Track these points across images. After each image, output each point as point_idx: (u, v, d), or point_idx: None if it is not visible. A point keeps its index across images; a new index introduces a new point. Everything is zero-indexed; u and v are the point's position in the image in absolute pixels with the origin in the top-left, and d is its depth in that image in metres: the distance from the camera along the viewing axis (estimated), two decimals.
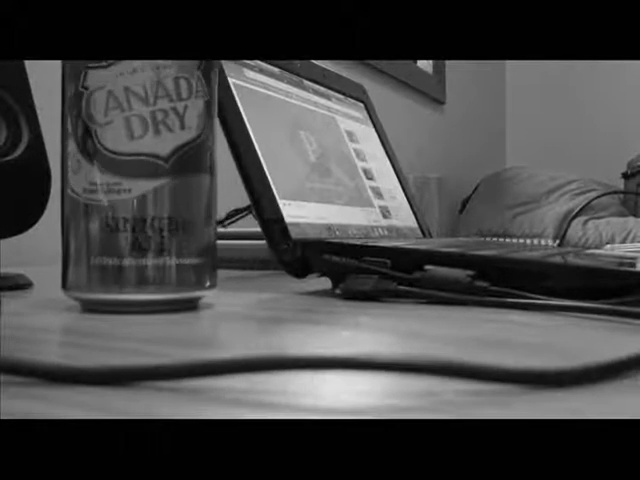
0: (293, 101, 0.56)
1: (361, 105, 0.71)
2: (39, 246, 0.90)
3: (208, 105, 0.35)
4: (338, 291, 0.41)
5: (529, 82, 2.68)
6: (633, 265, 0.41)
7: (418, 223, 0.69)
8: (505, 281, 0.39)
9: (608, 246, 0.83)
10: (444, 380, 0.19)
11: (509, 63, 2.73)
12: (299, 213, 0.48)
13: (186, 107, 0.34)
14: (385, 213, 0.62)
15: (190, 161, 0.34)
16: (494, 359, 0.23)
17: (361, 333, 0.28)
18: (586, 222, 1.79)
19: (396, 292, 0.39)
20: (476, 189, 2.04)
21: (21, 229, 0.48)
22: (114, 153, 0.33)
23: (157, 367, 0.18)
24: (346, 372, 0.20)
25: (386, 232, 0.60)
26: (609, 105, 2.53)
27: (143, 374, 0.18)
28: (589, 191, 1.94)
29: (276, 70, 0.56)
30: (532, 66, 2.67)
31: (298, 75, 0.59)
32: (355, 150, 0.63)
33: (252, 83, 0.51)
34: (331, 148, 0.58)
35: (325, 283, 0.51)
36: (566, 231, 0.89)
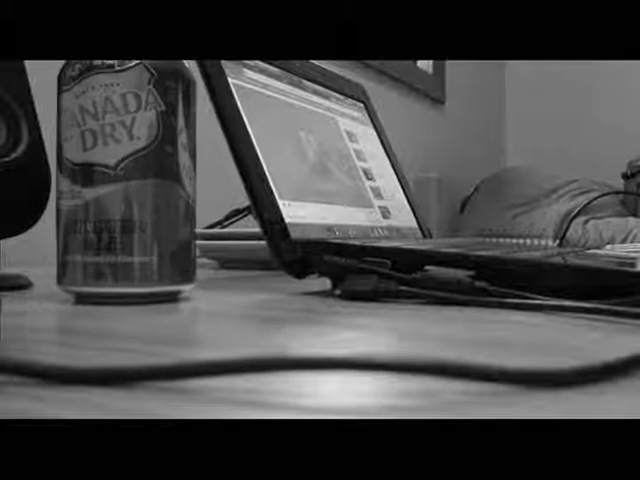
0: (293, 101, 0.56)
1: (361, 105, 0.71)
2: (39, 246, 0.90)
3: (164, 114, 0.38)
4: (337, 292, 0.41)
5: (529, 82, 2.68)
6: (633, 265, 0.41)
7: (418, 223, 0.69)
8: (505, 281, 0.39)
9: (608, 246, 0.83)
10: (444, 380, 0.19)
11: (509, 63, 2.73)
12: (299, 213, 0.48)
13: (134, 119, 0.37)
14: (385, 213, 0.62)
15: (140, 168, 0.37)
16: (494, 359, 0.23)
17: (361, 333, 0.28)
18: (586, 222, 1.79)
19: (396, 293, 0.39)
20: (476, 189, 2.04)
21: (21, 229, 0.48)
22: (73, 164, 0.38)
23: (155, 367, 0.18)
24: (346, 372, 0.20)
25: (386, 232, 0.60)
26: (609, 105, 2.53)
27: (142, 374, 0.18)
28: (589, 191, 1.94)
29: (276, 70, 0.56)
30: (532, 66, 2.67)
31: (298, 75, 0.59)
32: (355, 150, 0.63)
33: (252, 83, 0.51)
34: (331, 148, 0.58)
35: (325, 283, 0.51)
36: (566, 231, 0.89)
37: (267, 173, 0.46)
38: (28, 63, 0.79)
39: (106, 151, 0.37)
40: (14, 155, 0.47)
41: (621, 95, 2.51)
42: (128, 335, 0.27)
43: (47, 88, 0.84)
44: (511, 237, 1.84)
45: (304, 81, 0.60)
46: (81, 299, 0.39)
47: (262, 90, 0.52)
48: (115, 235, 0.37)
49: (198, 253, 0.76)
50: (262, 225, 0.44)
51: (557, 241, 0.99)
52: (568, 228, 0.89)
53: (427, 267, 0.40)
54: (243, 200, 1.22)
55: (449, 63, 2.20)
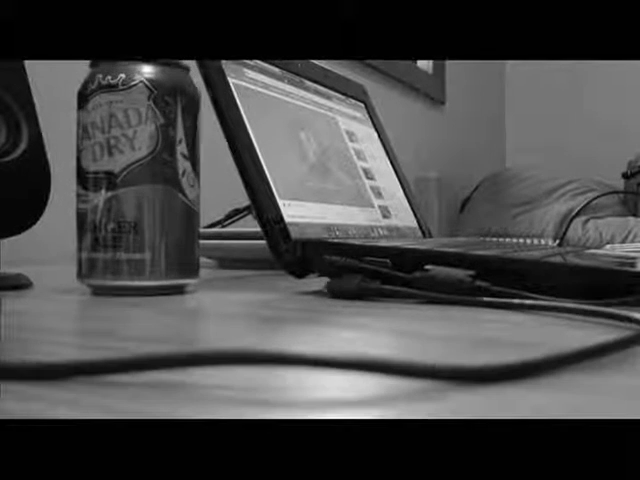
0: (293, 101, 0.56)
1: (361, 105, 0.71)
2: (39, 246, 0.90)
3: (163, 127, 0.42)
4: (324, 289, 0.41)
5: (529, 82, 2.68)
6: (633, 265, 0.41)
7: (418, 223, 0.69)
8: (505, 281, 0.39)
9: (608, 246, 0.83)
10: (443, 381, 0.19)
11: (509, 63, 2.73)
12: (299, 213, 0.48)
13: (135, 132, 0.42)
14: (385, 213, 0.62)
15: (141, 175, 0.42)
16: (493, 360, 0.23)
17: (360, 333, 0.28)
18: (586, 222, 1.79)
19: (380, 291, 0.39)
20: (476, 189, 2.04)
21: (21, 229, 0.48)
22: (86, 172, 0.43)
23: (143, 358, 0.18)
24: (345, 372, 0.20)
25: (386, 232, 0.60)
26: (609, 105, 2.53)
27: (126, 365, 0.18)
28: (589, 191, 1.94)
29: (276, 70, 0.56)
30: (532, 66, 2.67)
31: (298, 75, 0.59)
32: (355, 150, 0.63)
33: (252, 83, 0.51)
34: (331, 148, 0.58)
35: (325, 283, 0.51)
36: (566, 231, 0.89)
37: (267, 173, 0.46)
38: (28, 63, 0.79)
39: (112, 160, 0.42)
40: (14, 155, 0.47)
41: (621, 95, 2.51)
42: (128, 335, 0.27)
43: (47, 88, 0.84)
44: (511, 237, 1.84)
45: (305, 81, 0.60)
46: (97, 291, 0.44)
47: (262, 90, 0.52)
48: (121, 234, 0.42)
49: None
50: (262, 225, 0.44)
51: (557, 241, 0.99)
52: (568, 228, 0.89)
53: (427, 267, 0.40)
54: (243, 200, 1.22)
55: (449, 63, 2.20)
